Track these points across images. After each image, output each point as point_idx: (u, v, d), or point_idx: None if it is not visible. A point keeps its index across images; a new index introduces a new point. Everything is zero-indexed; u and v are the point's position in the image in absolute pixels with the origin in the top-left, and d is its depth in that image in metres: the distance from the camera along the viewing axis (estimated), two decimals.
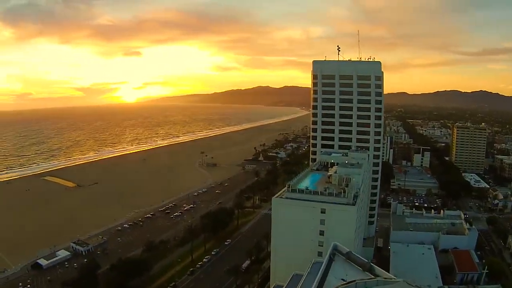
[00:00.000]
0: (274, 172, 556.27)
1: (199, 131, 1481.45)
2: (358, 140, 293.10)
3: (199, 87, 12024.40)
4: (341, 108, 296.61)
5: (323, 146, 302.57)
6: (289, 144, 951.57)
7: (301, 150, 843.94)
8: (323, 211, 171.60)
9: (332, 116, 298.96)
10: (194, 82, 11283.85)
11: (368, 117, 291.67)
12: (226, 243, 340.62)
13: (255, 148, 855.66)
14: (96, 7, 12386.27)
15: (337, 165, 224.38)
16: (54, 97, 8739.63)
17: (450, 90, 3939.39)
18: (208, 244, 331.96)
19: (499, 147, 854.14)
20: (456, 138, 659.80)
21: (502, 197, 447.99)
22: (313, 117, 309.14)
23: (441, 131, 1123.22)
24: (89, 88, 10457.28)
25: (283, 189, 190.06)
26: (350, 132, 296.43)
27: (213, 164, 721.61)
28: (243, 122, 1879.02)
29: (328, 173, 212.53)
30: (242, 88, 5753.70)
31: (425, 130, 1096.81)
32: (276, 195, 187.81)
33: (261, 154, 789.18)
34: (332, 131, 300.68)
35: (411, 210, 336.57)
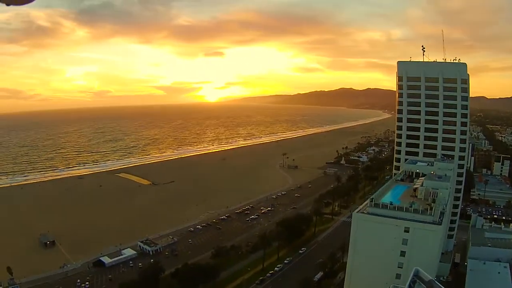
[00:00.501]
0: (355, 177, 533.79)
1: (282, 132, 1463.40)
2: (443, 148, 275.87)
3: (281, 88, 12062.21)
4: (426, 113, 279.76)
5: (407, 153, 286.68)
6: (371, 148, 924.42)
7: (383, 154, 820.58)
8: (406, 230, 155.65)
9: (418, 121, 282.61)
10: (275, 82, 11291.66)
11: (454, 123, 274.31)
12: (300, 251, 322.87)
13: (337, 151, 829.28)
14: (174, 8, 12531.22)
15: (422, 176, 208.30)
16: (133, 95, 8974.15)
17: None
18: (281, 251, 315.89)
19: None
20: None
21: None
22: (398, 121, 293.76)
23: None
24: (170, 87, 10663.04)
25: (365, 203, 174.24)
26: (435, 138, 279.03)
27: (294, 166, 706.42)
28: (325, 124, 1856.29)
29: (414, 186, 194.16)
30: (325, 90, 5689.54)
31: (504, 137, 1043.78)
32: (358, 209, 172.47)
33: (343, 158, 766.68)
34: (417, 137, 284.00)
35: (490, 224, 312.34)
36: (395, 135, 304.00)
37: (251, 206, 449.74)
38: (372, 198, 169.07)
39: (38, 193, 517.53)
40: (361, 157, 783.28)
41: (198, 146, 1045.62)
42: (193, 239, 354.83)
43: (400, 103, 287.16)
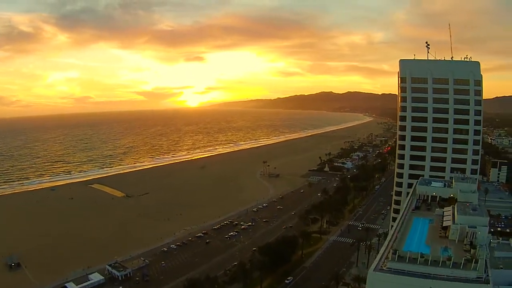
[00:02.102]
0: (343, 188, 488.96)
1: (262, 138, 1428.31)
2: (454, 160, 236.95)
3: (261, 92, 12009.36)
4: (434, 120, 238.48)
5: (412, 167, 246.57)
6: (356, 153, 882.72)
7: (369, 159, 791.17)
8: None
9: (424, 129, 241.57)
10: (256, 87, 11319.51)
11: (467, 132, 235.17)
12: (287, 281, 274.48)
13: (320, 157, 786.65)
14: (156, 13, 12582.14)
15: (441, 200, 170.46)
16: (114, 100, 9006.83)
17: (511, 96, 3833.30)
18: (265, 281, 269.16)
19: None
20: None
21: None
22: (400, 130, 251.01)
23: (509, 140, 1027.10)
24: (151, 92, 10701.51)
25: (382, 252, 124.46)
26: (444, 150, 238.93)
27: (276, 174, 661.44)
28: (307, 128, 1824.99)
29: (444, 223, 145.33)
30: (306, 94, 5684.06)
31: (493, 139, 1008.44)
32: (374, 264, 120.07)
33: (326, 164, 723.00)
34: (423, 149, 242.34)
35: (498, 240, 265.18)
36: (397, 145, 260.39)
37: (230, 221, 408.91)
38: (395, 249, 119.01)
39: (7, 206, 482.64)
40: (346, 164, 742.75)
41: (176, 154, 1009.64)
42: (166, 261, 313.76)
43: (403, 109, 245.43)
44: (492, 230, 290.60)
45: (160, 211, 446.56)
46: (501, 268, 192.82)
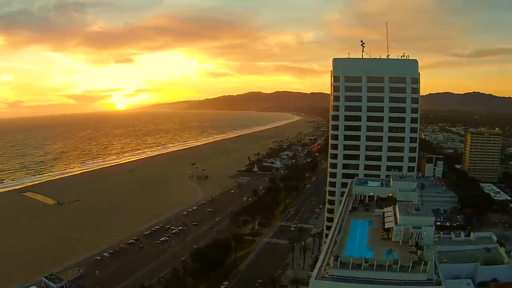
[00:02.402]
0: (274, 189, 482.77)
1: (191, 140, 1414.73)
2: (390, 158, 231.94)
3: (190, 94, 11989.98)
4: (368, 119, 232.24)
5: (345, 166, 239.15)
6: (284, 153, 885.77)
7: (299, 159, 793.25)
8: None
9: (358, 128, 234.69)
10: (185, 88, 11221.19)
11: (403, 130, 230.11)
12: (222, 286, 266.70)
13: (248, 157, 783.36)
14: (89, 14, 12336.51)
15: (379, 199, 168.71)
16: (46, 104, 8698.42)
17: (443, 93, 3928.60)
18: None
19: (507, 151, 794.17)
20: (470, 145, 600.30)
21: None
22: (332, 129, 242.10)
23: (444, 136, 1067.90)
24: (82, 96, 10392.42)
25: (322, 259, 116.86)
26: (379, 148, 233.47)
27: (205, 176, 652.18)
28: (235, 129, 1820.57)
29: (386, 224, 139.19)
30: (234, 94, 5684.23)
31: (427, 135, 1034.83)
32: (315, 272, 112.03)
33: (255, 165, 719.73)
34: (358, 148, 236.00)
35: (439, 234, 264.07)
36: (329, 145, 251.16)
37: (161, 226, 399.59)
38: (336, 255, 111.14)
39: None
40: (275, 163, 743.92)
41: (106, 158, 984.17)
42: (100, 270, 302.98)
43: (336, 108, 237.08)
44: None
45: (91, 218, 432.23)
46: (445, 262, 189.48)
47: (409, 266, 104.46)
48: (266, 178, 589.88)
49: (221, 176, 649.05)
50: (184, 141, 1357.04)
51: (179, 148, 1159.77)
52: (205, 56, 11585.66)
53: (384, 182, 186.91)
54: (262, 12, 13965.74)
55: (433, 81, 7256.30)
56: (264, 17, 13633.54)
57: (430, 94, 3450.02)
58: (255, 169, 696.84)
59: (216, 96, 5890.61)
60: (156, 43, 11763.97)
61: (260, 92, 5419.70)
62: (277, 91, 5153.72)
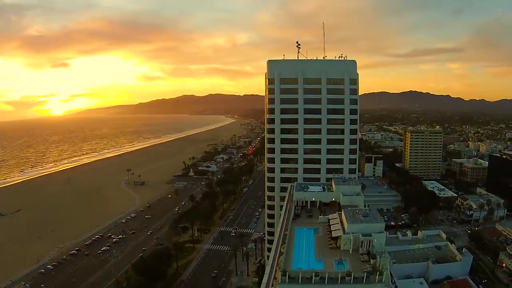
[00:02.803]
0: (211, 194, 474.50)
1: (126, 145, 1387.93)
2: (329, 161, 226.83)
3: (125, 98, 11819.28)
4: (306, 121, 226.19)
5: (283, 170, 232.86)
6: (220, 156, 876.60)
7: (234, 161, 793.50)
8: None
9: (295, 131, 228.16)
10: (119, 93, 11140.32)
11: (342, 132, 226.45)
12: None
13: (184, 162, 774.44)
14: (27, 17, 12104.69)
15: (323, 204, 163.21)
16: None
17: (378, 92, 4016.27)
18: None
19: (448, 149, 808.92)
20: (410, 143, 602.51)
21: (476, 207, 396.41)
22: (268, 133, 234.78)
23: (381, 135, 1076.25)
24: (19, 101, 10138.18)
25: (268, 273, 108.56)
26: (318, 151, 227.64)
27: (141, 182, 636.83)
28: (170, 133, 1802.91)
29: (333, 233, 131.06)
30: (167, 98, 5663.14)
31: (364, 134, 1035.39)
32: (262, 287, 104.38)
33: (191, 169, 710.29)
34: (295, 151, 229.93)
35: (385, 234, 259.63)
36: (266, 149, 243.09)
37: (101, 235, 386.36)
38: (284, 270, 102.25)
39: None
40: (210, 167, 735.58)
41: (44, 166, 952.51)
42: (46, 284, 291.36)
43: (271, 111, 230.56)
44: None
45: (34, 229, 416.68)
46: (394, 263, 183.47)
47: (363, 277, 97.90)
48: (203, 182, 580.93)
49: (158, 182, 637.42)
50: (120, 147, 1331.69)
51: (115, 154, 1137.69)
52: (139, 60, 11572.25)
53: (325, 186, 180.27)
54: (193, 14, 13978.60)
55: (369, 81, 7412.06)
56: (195, 20, 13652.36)
57: (365, 93, 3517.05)
58: (191, 173, 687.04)
59: (150, 100, 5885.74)
60: (90, 46, 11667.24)
61: (193, 95, 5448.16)
62: (210, 94, 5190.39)
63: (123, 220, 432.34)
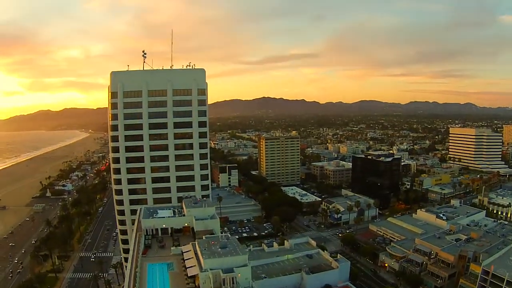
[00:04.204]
0: (67, 217, 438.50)
1: None
2: (179, 179, 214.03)
3: None
4: (151, 137, 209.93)
5: (131, 191, 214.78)
6: (75, 174, 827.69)
7: (88, 179, 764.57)
8: None
9: (141, 149, 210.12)
10: None
11: (191, 146, 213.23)
12: None
13: (41, 182, 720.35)
14: None
15: (175, 231, 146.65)
16: None
17: (230, 100, 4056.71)
18: None
19: (306, 152, 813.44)
20: (266, 150, 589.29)
21: (344, 209, 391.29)
22: (113, 152, 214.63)
23: (235, 143, 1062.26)
24: None
25: None
26: (167, 168, 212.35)
27: (3, 206, 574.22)
28: (28, 151, 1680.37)
29: (189, 271, 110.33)
30: (25, 114, 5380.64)
31: (216, 143, 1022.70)
32: None
33: (48, 189, 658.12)
34: (142, 170, 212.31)
35: (249, 247, 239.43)
36: (112, 169, 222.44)
37: None
38: None
39: None
40: (66, 186, 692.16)
41: None
42: None
43: (115, 128, 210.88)
44: (237, 237, 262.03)
45: None
46: (265, 278, 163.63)
47: None
48: (60, 203, 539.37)
49: (19, 205, 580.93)
50: None
51: None
52: None
53: (176, 210, 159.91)
54: (48, 24, 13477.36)
55: (219, 89, 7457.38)
56: (49, 30, 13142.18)
57: (217, 102, 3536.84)
58: (48, 194, 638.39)
59: (9, 117, 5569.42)
60: None
61: (49, 110, 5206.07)
62: (65, 108, 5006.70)
63: None
